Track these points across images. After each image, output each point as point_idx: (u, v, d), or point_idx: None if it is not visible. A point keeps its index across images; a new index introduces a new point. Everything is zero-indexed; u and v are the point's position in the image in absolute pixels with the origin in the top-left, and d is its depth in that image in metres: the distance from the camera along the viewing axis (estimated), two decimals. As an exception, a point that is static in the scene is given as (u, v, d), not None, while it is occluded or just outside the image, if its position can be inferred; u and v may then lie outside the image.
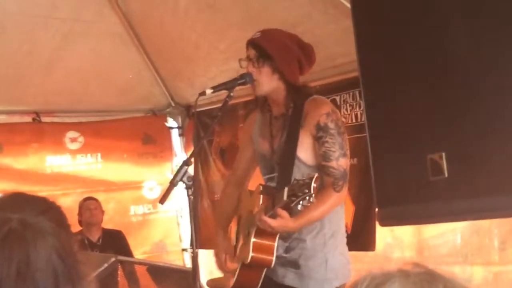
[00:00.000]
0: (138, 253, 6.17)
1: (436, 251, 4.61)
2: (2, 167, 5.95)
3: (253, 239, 3.18)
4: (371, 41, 2.50)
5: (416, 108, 2.32)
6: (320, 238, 3.25)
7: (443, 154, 2.18)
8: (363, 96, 2.56)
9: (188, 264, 6.13)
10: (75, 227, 5.92)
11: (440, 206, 2.25)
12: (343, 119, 4.82)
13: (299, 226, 3.13)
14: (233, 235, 3.51)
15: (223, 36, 5.23)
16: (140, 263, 4.86)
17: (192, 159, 3.19)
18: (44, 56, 5.64)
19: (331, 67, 4.79)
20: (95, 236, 5.91)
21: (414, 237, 4.71)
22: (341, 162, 3.16)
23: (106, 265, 4.11)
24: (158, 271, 4.73)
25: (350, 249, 4.60)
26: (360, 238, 4.66)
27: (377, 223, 3.98)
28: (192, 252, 3.18)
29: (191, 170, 3.12)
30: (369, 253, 4.64)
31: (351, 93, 4.83)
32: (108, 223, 6.07)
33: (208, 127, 5.65)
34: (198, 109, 5.77)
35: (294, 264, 3.25)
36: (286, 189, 2.87)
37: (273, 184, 3.27)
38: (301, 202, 2.83)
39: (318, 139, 3.18)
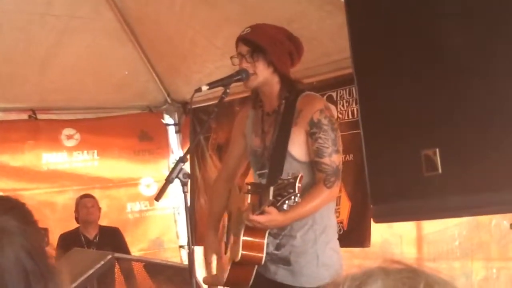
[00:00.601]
0: (135, 250, 6.16)
1: (436, 246, 4.61)
2: (-2, 165, 5.95)
3: (242, 238, 3.20)
4: (365, 38, 2.50)
5: (410, 104, 2.32)
6: (311, 234, 3.26)
7: (437, 150, 2.18)
8: (357, 92, 2.56)
9: (185, 261, 6.12)
10: (72, 224, 5.92)
11: (434, 202, 2.25)
12: (340, 115, 4.83)
13: (290, 220, 3.15)
14: (223, 233, 3.51)
15: (220, 32, 5.22)
16: (137, 260, 4.85)
17: (188, 156, 3.18)
18: (40, 53, 5.62)
19: (327, 63, 4.78)
20: (92, 233, 5.90)
21: (414, 233, 4.71)
22: (334, 158, 3.17)
23: (102, 262, 4.10)
24: (155, 268, 4.72)
25: (346, 245, 4.60)
26: (356, 235, 4.65)
27: (372, 220, 3.97)
28: (189, 249, 3.17)
29: (187, 167, 3.11)
30: (367, 249, 4.63)
31: (347, 89, 4.82)
32: (104, 220, 6.07)
33: (204, 124, 5.65)
34: (194, 106, 5.77)
35: (285, 261, 3.26)
36: (271, 188, 2.90)
37: (264, 180, 3.28)
38: (286, 201, 2.86)
39: (312, 135, 3.19)
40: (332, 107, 4.66)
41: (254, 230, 3.17)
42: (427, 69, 2.28)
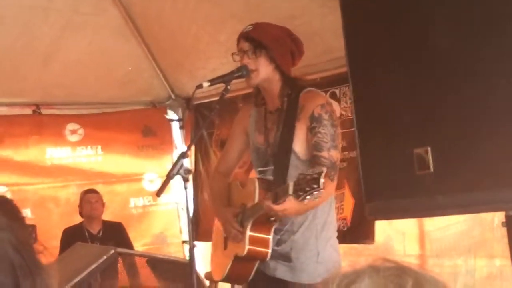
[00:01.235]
0: (139, 245, 6.18)
1: (438, 243, 4.60)
2: (2, 159, 5.97)
3: (249, 233, 3.19)
4: (360, 38, 2.52)
5: (403, 103, 2.33)
6: (312, 229, 3.26)
7: (429, 149, 2.18)
8: (352, 91, 2.57)
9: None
10: (75, 219, 5.94)
11: (426, 201, 2.26)
12: (343, 112, 4.82)
13: (304, 210, 3.11)
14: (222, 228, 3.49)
15: (223, 28, 5.22)
16: (140, 255, 4.86)
17: (190, 152, 3.19)
18: (43, 48, 5.63)
19: (330, 60, 4.77)
20: (95, 228, 5.93)
21: (416, 230, 4.71)
22: (332, 153, 3.16)
23: (105, 257, 4.11)
24: (158, 263, 4.73)
25: (349, 242, 4.60)
26: (359, 231, 4.65)
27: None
28: (189, 244, 3.18)
29: (187, 162, 3.11)
30: (371, 246, 4.64)
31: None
32: (108, 215, 6.08)
33: (206, 120, 5.66)
34: (197, 102, 5.79)
35: (286, 257, 3.26)
36: (291, 183, 2.88)
37: (265, 177, 3.28)
38: (308, 197, 2.83)
39: (311, 130, 3.19)
40: (335, 104, 4.66)
41: (261, 225, 3.17)
42: (420, 69, 2.29)
